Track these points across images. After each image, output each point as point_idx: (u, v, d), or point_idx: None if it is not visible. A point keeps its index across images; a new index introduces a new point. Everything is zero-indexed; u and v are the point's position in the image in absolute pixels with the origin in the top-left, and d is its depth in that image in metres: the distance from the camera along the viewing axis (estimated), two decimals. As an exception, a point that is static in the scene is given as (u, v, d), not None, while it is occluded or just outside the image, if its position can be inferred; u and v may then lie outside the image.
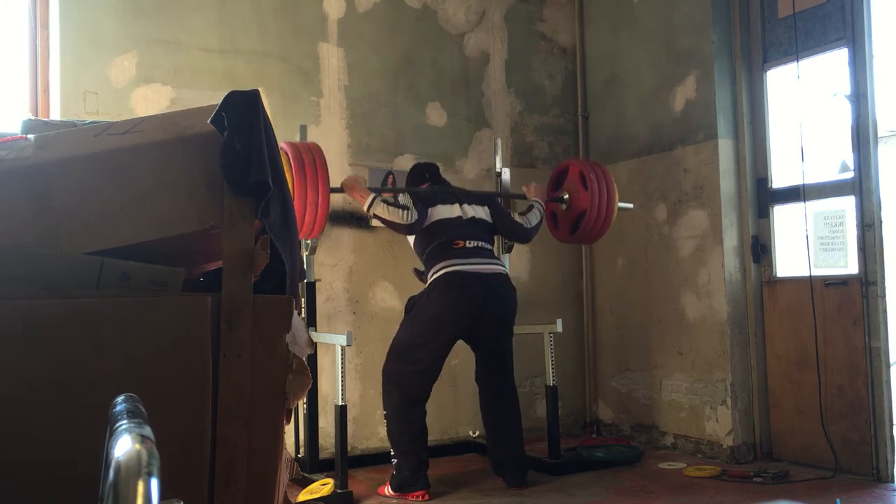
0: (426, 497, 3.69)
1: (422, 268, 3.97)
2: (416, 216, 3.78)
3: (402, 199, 3.88)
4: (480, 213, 4.00)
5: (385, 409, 3.87)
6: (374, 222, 4.38)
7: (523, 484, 3.87)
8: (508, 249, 4.60)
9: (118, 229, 1.62)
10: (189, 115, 1.77)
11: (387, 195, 3.90)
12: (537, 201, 4.18)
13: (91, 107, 4.02)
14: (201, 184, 1.66)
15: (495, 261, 3.93)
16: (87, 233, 1.59)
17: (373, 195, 3.79)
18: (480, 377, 4.02)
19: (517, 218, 4.11)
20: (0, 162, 1.56)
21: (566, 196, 4.38)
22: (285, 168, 3.58)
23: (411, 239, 4.00)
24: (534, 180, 5.18)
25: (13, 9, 4.10)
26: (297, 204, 3.58)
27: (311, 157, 3.68)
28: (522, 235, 4.11)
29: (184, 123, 1.72)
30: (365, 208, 3.82)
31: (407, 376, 3.77)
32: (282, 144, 3.72)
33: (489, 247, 3.95)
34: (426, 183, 4.10)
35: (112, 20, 4.11)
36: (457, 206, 3.95)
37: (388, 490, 3.78)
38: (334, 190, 3.80)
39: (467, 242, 3.84)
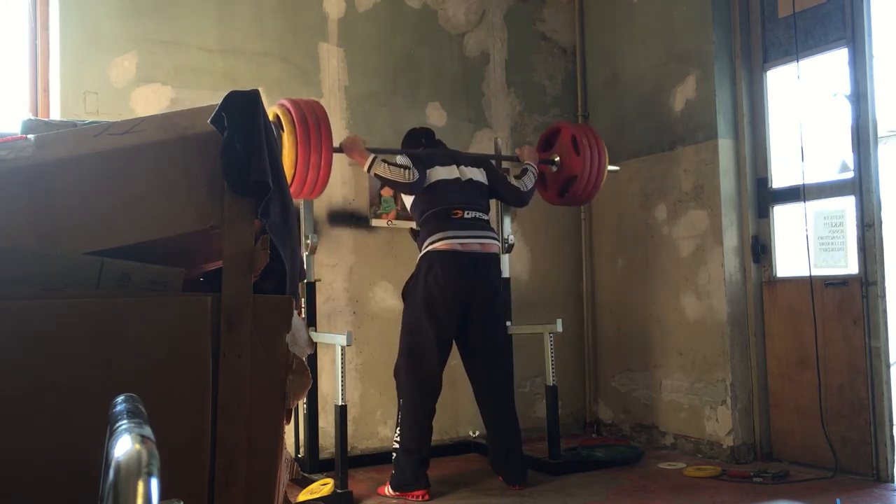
0: (426, 497, 3.69)
1: (417, 228, 4.04)
2: (416, 175, 3.83)
3: (401, 159, 3.91)
4: (477, 175, 4.07)
5: (399, 400, 3.87)
6: (380, 221, 4.39)
7: (524, 482, 3.87)
8: (508, 250, 4.60)
9: (118, 229, 1.62)
10: (189, 115, 1.77)
11: (386, 156, 3.92)
12: (531, 164, 4.24)
13: (91, 107, 4.01)
14: (201, 184, 1.66)
15: (490, 234, 3.94)
16: (87, 233, 1.60)
17: (372, 156, 3.84)
18: (473, 371, 3.99)
19: (513, 181, 4.17)
20: (0, 162, 1.56)
21: (557, 159, 4.45)
22: (286, 126, 3.60)
23: (408, 200, 4.04)
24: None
25: (13, 9, 4.10)
26: (299, 164, 3.60)
27: (315, 117, 3.66)
28: (519, 198, 4.17)
29: (184, 123, 1.72)
30: (365, 168, 3.86)
31: (417, 367, 3.79)
32: (283, 101, 3.73)
33: (485, 217, 3.98)
34: (421, 147, 4.14)
35: (112, 20, 4.11)
36: (454, 167, 4.01)
37: (388, 490, 3.78)
38: (335, 150, 3.83)
39: (465, 213, 3.89)
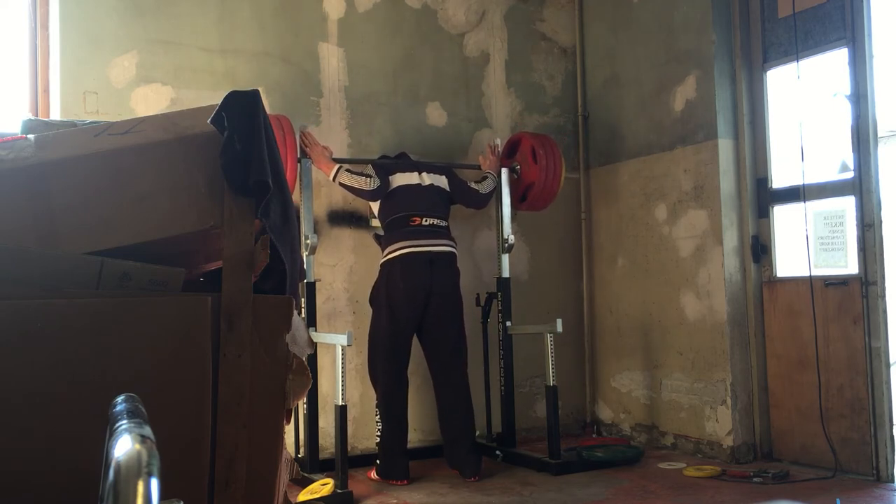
0: (406, 482, 3.96)
1: (381, 232, 4.29)
2: (378, 183, 4.11)
3: (365, 169, 4.18)
4: (439, 181, 4.29)
5: (376, 400, 4.14)
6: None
7: (477, 473, 4.03)
8: (508, 250, 4.60)
9: (118, 229, 1.62)
10: (189, 115, 1.78)
11: (350, 165, 4.17)
12: (491, 173, 4.52)
13: (91, 107, 4.01)
14: (201, 184, 1.66)
15: (446, 242, 4.18)
16: (87, 233, 1.60)
17: (338, 165, 4.10)
18: (432, 364, 4.21)
19: (472, 185, 4.40)
20: (0, 162, 1.56)
21: (518, 167, 4.68)
22: None
23: (375, 206, 4.25)
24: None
25: (13, 9, 4.10)
26: None
27: (282, 133, 3.83)
28: (477, 201, 4.46)
29: (184, 123, 1.72)
30: (331, 178, 4.11)
31: (387, 365, 4.05)
32: None
33: (443, 224, 4.22)
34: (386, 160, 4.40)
35: (112, 20, 4.11)
36: (416, 173, 4.23)
37: (373, 474, 4.06)
38: (300, 158, 4.07)
39: (423, 220, 4.11)
